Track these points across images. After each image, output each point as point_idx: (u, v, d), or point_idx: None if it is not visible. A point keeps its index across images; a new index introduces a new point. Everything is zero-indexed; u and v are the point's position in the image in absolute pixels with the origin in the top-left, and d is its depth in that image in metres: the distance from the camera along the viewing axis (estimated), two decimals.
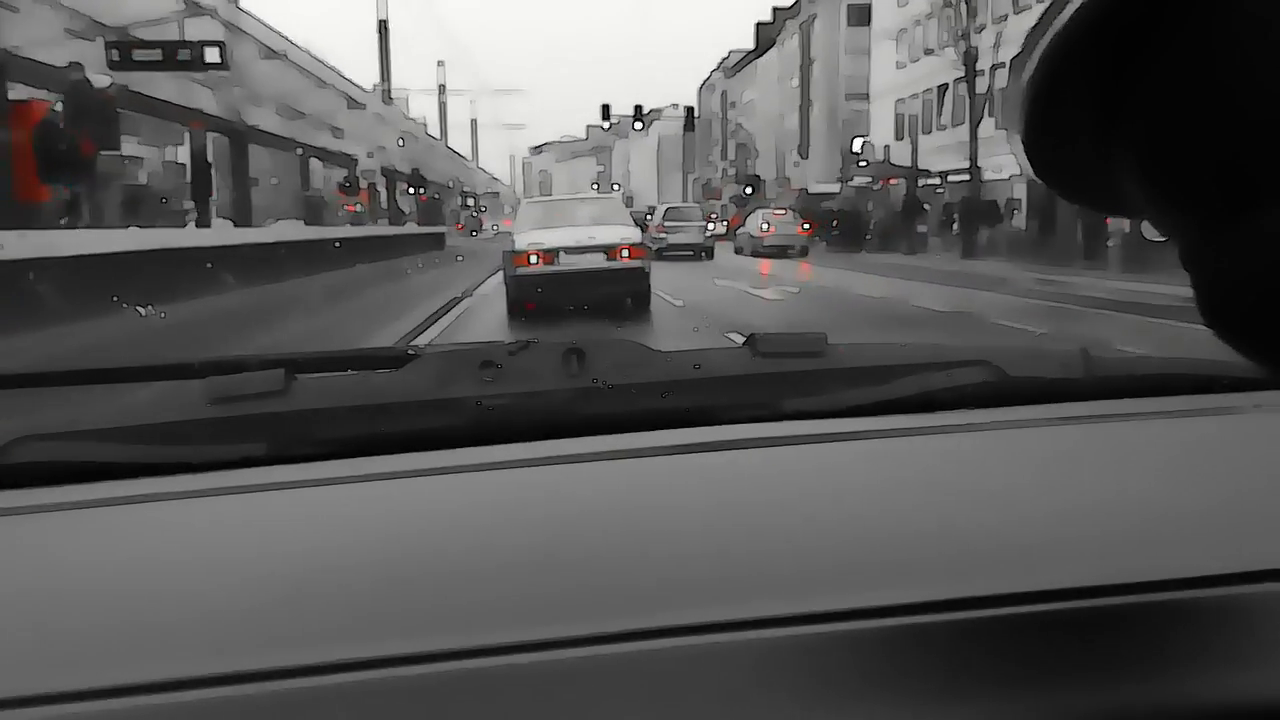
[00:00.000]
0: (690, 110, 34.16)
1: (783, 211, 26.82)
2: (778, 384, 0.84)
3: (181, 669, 0.47)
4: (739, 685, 0.47)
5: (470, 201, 62.23)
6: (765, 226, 24.39)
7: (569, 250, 9.61)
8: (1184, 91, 0.28)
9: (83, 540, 0.64)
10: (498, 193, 71.41)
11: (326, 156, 25.62)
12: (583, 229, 10.02)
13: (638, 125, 33.40)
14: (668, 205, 27.17)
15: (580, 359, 0.82)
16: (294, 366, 0.84)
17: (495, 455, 0.72)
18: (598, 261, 9.63)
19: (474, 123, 67.31)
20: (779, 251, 23.01)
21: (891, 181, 31.89)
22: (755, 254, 23.22)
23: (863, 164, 34.32)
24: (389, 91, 34.48)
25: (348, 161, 26.69)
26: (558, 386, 0.80)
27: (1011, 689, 0.48)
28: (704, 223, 23.87)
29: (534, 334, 0.96)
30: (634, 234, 10.17)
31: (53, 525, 0.66)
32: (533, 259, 9.50)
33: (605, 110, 33.71)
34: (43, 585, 0.58)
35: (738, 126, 56.72)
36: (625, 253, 9.73)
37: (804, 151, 37.13)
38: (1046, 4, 0.29)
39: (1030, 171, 0.34)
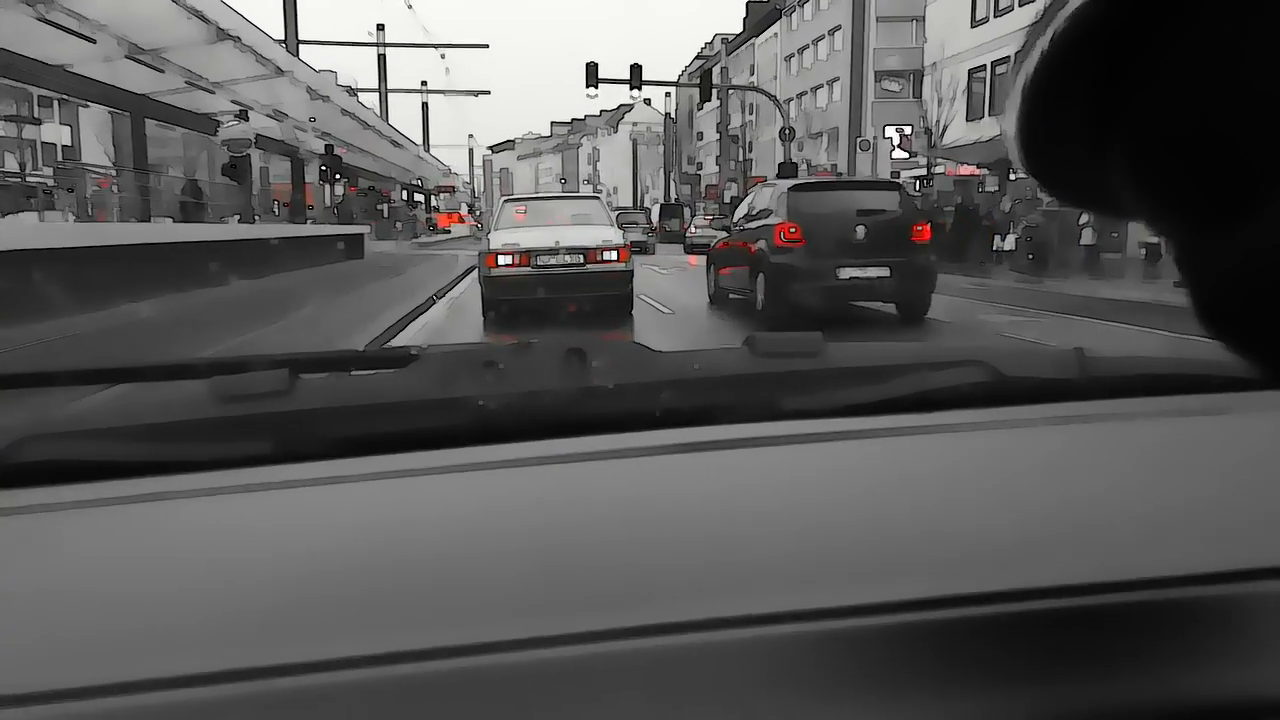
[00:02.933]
0: (707, 75, 25.30)
1: (710, 216, 33.42)
2: (776, 384, 0.85)
3: (188, 666, 0.48)
4: (738, 680, 0.48)
5: (419, 197, 53.07)
6: (693, 229, 30.82)
7: (545, 252, 9.02)
8: (1179, 94, 0.28)
9: (89, 538, 0.64)
10: (453, 188, 61.99)
11: (166, 114, 16.50)
12: (561, 229, 9.39)
13: (635, 93, 24.48)
14: (619, 209, 35.40)
15: (581, 359, 0.83)
16: (298, 366, 0.85)
17: (497, 454, 0.73)
18: (576, 264, 9.05)
19: (425, 107, 57.88)
20: (704, 247, 30.70)
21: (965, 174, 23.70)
22: (688, 250, 27.63)
23: (907, 154, 26.79)
24: (296, 36, 25.26)
25: (205, 125, 17.57)
26: (559, 386, 0.81)
27: (1008, 685, 0.49)
28: (646, 224, 32.25)
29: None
30: (615, 235, 9.51)
31: (59, 523, 0.66)
32: (506, 260, 8.96)
33: (592, 71, 24.73)
34: (50, 583, 0.58)
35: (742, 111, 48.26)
36: (608, 255, 9.16)
37: (858, 130, 28.54)
38: (1046, 4, 0.29)
39: (1023, 168, 0.34)
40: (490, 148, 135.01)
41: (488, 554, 0.58)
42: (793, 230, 8.57)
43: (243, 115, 17.30)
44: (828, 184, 10.78)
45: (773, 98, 26.87)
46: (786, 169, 25.77)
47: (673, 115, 67.42)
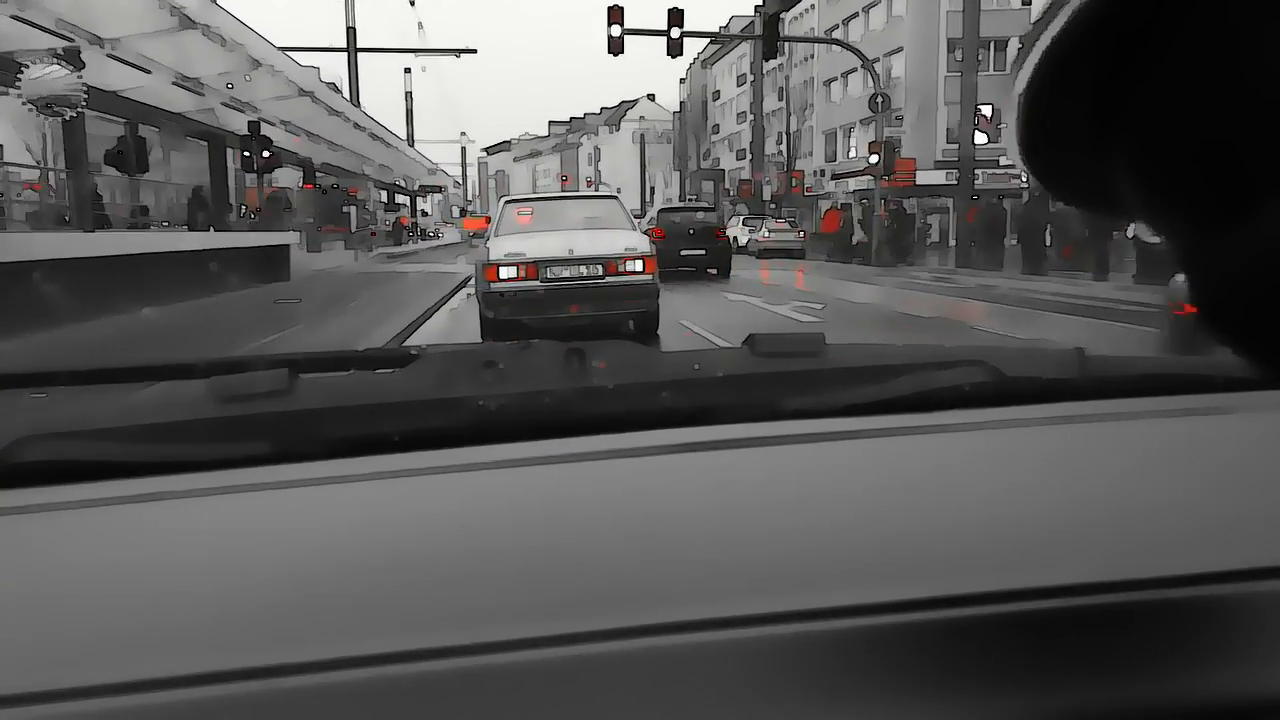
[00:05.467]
0: (773, 21, 18.68)
1: (782, 222, 32.23)
2: (776, 383, 0.85)
3: (187, 665, 0.48)
4: (738, 680, 0.49)
5: (402, 199, 46.45)
6: (767, 234, 30.34)
7: (556, 262, 7.56)
8: (1180, 93, 0.28)
9: (89, 538, 0.64)
10: (441, 187, 55.08)
11: None
12: (575, 235, 7.94)
13: (674, 31, 17.72)
14: None
15: (581, 359, 0.83)
16: (298, 366, 0.85)
17: (497, 454, 0.73)
18: (594, 277, 7.62)
19: (409, 98, 51.20)
20: (779, 253, 28.30)
21: None
22: (759, 256, 28.03)
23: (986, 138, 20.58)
24: None
25: (5, 74, 10.88)
26: (559, 386, 0.81)
27: (1008, 685, 0.50)
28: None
29: None
30: (641, 242, 8.07)
31: (59, 523, 0.66)
32: (510, 271, 7.52)
33: (615, 15, 18.04)
34: (50, 583, 0.58)
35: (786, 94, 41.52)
36: (631, 265, 7.70)
37: (934, 108, 21.80)
38: (1046, 4, 0.29)
39: (1025, 169, 0.34)
40: (485, 149, 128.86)
41: (488, 554, 0.58)
42: (660, 230, 16.25)
43: (70, 58, 10.70)
44: (677, 208, 19.71)
45: (860, 53, 20.23)
46: (884, 149, 19.30)
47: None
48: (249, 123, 17.60)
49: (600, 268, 7.67)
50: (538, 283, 7.53)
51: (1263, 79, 0.26)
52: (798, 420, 0.77)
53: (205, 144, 19.03)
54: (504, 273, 7.58)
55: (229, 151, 18.91)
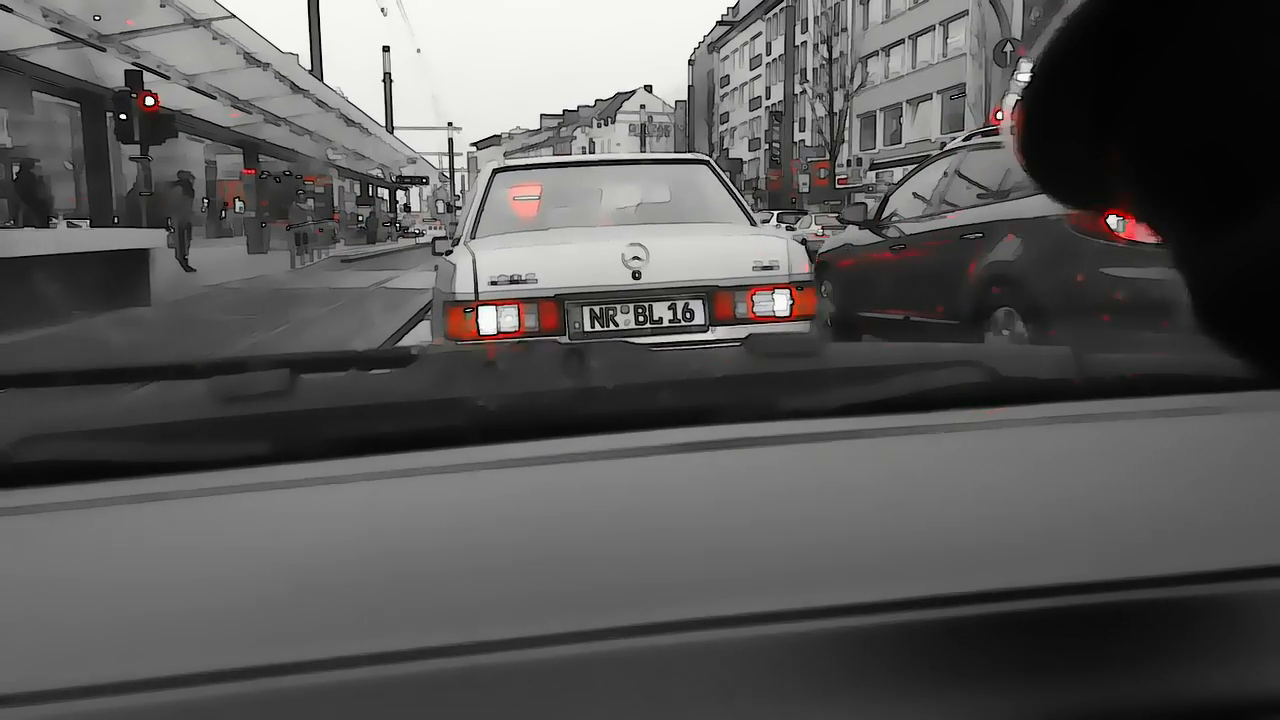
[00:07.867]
0: None
1: (834, 216, 24.08)
2: (774, 383, 0.85)
3: (188, 665, 0.48)
4: (737, 680, 0.49)
5: (381, 192, 41.18)
6: (821, 231, 23.52)
7: (604, 297, 3.46)
8: (1178, 93, 0.28)
9: (89, 538, 0.65)
10: (424, 179, 49.66)
11: None
12: (641, 235, 3.58)
13: None
14: None
15: (581, 359, 0.84)
16: (298, 366, 0.85)
17: (496, 454, 0.73)
18: (686, 326, 3.50)
19: (388, 79, 45.85)
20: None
21: None
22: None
23: None
24: None
25: None
26: (558, 386, 0.81)
27: (1005, 685, 0.50)
28: None
29: None
30: (790, 254, 3.68)
31: (60, 523, 0.66)
32: (508, 318, 3.42)
33: None
34: (50, 583, 0.59)
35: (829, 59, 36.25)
36: (767, 304, 3.56)
37: None
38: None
39: (1023, 168, 0.34)
40: (475, 144, 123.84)
41: (487, 553, 0.59)
42: None
43: None
44: None
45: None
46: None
47: (667, 106, 55.90)
48: (127, 72, 12.33)
49: (700, 308, 3.54)
50: (562, 343, 2.54)
51: (1261, 79, 0.26)
52: (796, 420, 0.77)
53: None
54: (489, 322, 3.42)
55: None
